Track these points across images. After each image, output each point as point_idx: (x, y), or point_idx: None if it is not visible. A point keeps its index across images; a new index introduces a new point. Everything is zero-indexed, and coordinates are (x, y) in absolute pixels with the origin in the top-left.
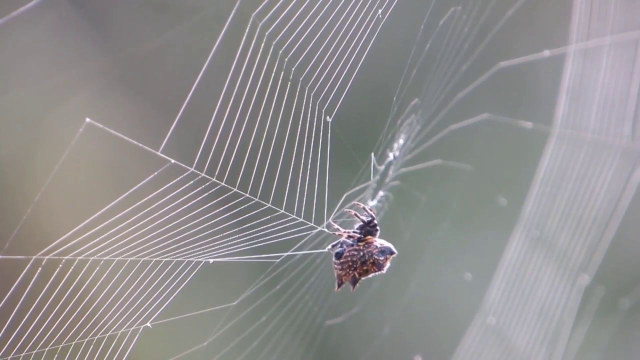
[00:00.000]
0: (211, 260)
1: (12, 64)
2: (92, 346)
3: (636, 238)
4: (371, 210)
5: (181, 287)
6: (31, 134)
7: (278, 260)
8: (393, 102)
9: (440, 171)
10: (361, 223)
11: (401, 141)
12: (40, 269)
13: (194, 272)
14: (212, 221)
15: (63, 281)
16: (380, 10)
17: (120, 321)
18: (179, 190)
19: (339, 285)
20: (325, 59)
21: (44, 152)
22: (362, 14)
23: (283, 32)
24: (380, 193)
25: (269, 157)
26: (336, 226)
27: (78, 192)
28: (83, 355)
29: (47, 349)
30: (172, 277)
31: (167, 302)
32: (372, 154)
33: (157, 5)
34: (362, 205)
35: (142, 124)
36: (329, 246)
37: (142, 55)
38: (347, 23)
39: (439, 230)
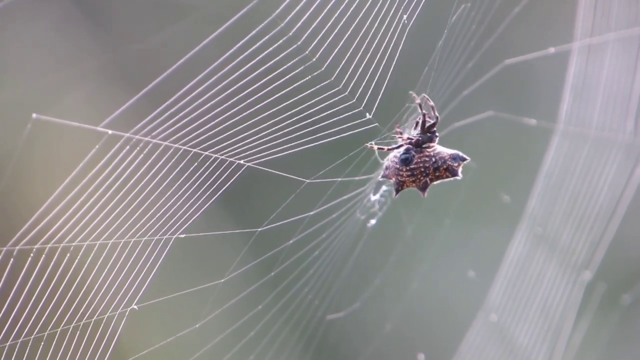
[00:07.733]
0: (182, 235)
1: (11, 59)
2: (78, 332)
3: (638, 234)
4: (434, 109)
5: (157, 265)
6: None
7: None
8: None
9: None
10: (422, 126)
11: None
12: (12, 259)
13: (167, 249)
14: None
15: (36, 270)
16: (405, 16)
17: (104, 305)
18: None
19: (397, 192)
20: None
21: (42, 148)
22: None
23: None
24: (384, 187)
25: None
26: (401, 130)
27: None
28: (70, 341)
29: (32, 337)
30: (145, 256)
31: (147, 282)
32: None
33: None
34: (430, 103)
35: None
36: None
37: (142, 51)
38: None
39: (442, 227)
